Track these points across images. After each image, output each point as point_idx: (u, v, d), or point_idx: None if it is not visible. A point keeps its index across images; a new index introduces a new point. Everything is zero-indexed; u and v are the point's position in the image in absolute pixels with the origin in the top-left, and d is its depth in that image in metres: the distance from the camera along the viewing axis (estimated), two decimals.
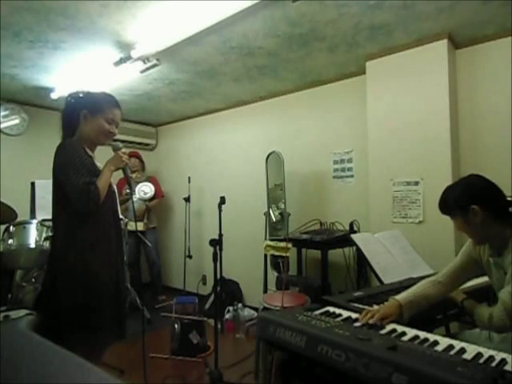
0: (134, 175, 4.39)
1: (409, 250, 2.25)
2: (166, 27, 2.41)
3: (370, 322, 1.27)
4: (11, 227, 2.96)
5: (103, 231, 1.68)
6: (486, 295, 1.61)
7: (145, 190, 4.31)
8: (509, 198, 1.41)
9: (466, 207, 1.36)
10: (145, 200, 4.30)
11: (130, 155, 4.48)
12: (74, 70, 3.15)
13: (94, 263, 1.62)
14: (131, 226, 3.73)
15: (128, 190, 4.11)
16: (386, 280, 1.94)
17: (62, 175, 1.59)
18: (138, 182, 4.31)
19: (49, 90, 3.61)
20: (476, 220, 1.35)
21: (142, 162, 4.60)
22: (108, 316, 1.66)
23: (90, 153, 1.72)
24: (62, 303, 1.56)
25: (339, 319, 1.30)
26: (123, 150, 1.78)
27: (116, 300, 1.71)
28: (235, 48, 2.78)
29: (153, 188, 4.38)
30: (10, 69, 3.12)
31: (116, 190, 1.83)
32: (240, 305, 3.65)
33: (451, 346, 1.06)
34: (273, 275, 3.43)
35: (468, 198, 1.37)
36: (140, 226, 4.21)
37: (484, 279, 1.77)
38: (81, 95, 1.75)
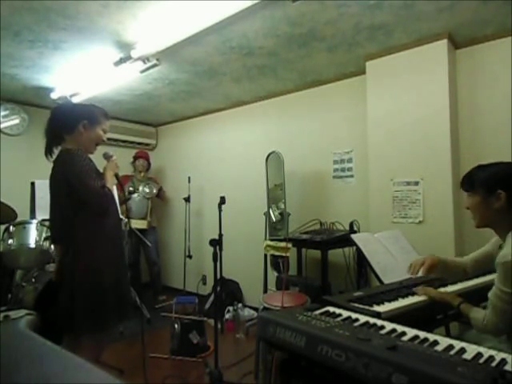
0: (141, 174, 4.52)
1: (409, 249, 2.25)
2: (166, 27, 2.42)
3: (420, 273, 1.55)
4: (11, 227, 2.95)
5: (114, 229, 1.90)
6: (485, 295, 1.61)
7: (148, 187, 4.35)
8: None
9: (492, 189, 1.39)
10: (148, 198, 4.34)
11: (138, 156, 4.57)
12: (74, 70, 3.15)
13: (109, 261, 1.82)
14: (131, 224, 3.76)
15: (131, 188, 4.27)
16: (386, 280, 1.93)
17: (78, 183, 1.73)
18: (141, 182, 4.38)
19: (49, 90, 3.61)
20: (496, 205, 1.39)
21: (149, 163, 4.66)
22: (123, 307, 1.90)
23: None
24: (85, 301, 1.74)
25: (339, 319, 1.30)
26: (114, 157, 2.00)
27: (124, 297, 1.91)
28: (235, 48, 2.78)
29: (155, 184, 4.45)
30: (10, 69, 3.12)
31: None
32: (240, 305, 3.65)
33: (451, 346, 1.06)
34: (273, 275, 3.43)
35: (498, 181, 1.40)
36: (143, 225, 4.26)
37: (483, 279, 1.77)
38: (73, 105, 1.95)
